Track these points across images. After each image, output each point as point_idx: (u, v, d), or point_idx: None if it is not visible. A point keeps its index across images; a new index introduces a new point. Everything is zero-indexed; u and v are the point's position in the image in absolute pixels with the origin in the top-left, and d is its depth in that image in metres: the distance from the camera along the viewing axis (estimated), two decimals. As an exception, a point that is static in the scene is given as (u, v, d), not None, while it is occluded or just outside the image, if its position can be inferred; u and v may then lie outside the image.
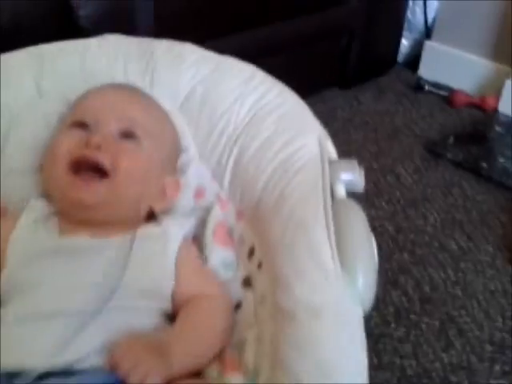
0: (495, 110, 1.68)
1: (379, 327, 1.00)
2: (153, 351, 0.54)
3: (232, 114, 0.75)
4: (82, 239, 0.62)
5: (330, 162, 0.69)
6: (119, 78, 0.77)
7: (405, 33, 1.83)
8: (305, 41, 1.53)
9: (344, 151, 1.45)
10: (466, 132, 1.59)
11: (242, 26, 1.34)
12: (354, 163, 0.70)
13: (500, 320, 1.06)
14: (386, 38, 1.76)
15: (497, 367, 0.97)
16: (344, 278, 0.58)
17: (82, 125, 0.65)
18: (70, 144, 0.63)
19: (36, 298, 0.57)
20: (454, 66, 1.79)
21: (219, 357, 0.60)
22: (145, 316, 0.61)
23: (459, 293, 1.11)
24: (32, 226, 0.63)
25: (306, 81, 1.60)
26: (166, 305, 0.62)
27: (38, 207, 0.65)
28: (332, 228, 0.60)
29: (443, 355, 0.98)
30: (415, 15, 1.83)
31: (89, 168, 0.62)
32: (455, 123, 1.64)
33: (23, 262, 0.60)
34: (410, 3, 1.79)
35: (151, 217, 0.68)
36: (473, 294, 1.11)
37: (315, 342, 0.53)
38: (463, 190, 1.39)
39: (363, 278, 0.59)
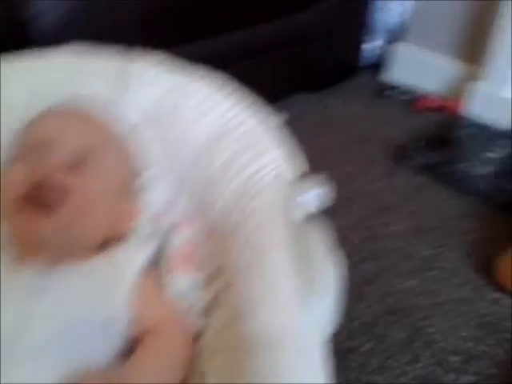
0: (459, 113, 1.70)
1: (346, 342, 1.00)
2: None
3: (192, 131, 0.73)
4: (29, 274, 0.59)
5: (291, 182, 0.67)
6: (81, 91, 0.74)
7: (370, 37, 1.83)
8: (271, 46, 1.52)
9: (311, 157, 1.47)
10: (430, 136, 1.60)
11: (209, 32, 1.32)
12: (317, 181, 0.69)
13: (465, 329, 1.06)
14: (351, 43, 1.76)
15: (463, 378, 0.97)
16: (304, 303, 0.57)
17: (28, 155, 0.62)
18: (16, 178, 0.60)
19: None
20: (419, 69, 1.80)
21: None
22: (100, 349, 0.58)
23: (424, 303, 1.11)
24: None
25: (273, 86, 1.60)
26: (122, 337, 0.60)
27: None
28: (291, 253, 0.59)
29: (409, 368, 0.98)
30: (380, 19, 1.83)
31: (35, 203, 0.59)
32: (420, 127, 1.64)
33: None
34: (376, 7, 1.79)
35: (111, 241, 0.66)
36: (438, 304, 1.11)
37: (274, 373, 0.52)
38: (428, 196, 1.40)
39: (323, 303, 0.58)
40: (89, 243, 0.63)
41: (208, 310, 0.65)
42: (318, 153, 1.51)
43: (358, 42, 1.78)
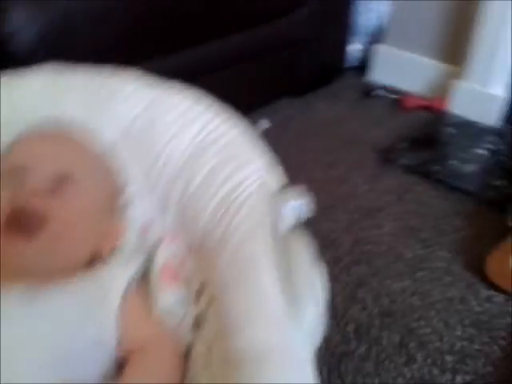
0: (444, 112, 1.71)
1: (340, 346, 0.99)
2: None
3: (173, 146, 0.72)
4: (15, 297, 0.58)
5: (275, 193, 0.67)
6: (57, 111, 0.73)
7: (353, 38, 1.84)
8: (255, 53, 1.52)
9: (299, 161, 1.47)
10: (418, 136, 1.61)
11: (191, 42, 1.32)
12: (300, 190, 0.68)
13: (459, 328, 1.06)
14: (334, 45, 1.76)
15: (458, 378, 0.97)
16: (291, 316, 0.56)
17: (8, 181, 0.61)
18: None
19: None
20: (403, 69, 1.80)
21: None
22: (89, 369, 0.58)
23: (418, 303, 1.11)
24: None
25: (258, 92, 1.60)
26: (111, 357, 0.59)
27: None
28: (276, 265, 0.59)
29: (405, 370, 0.97)
30: (362, 21, 1.84)
31: (17, 228, 0.58)
32: (406, 127, 1.65)
33: None
34: (357, 9, 1.79)
35: (96, 260, 0.65)
36: (431, 304, 1.11)
37: None
38: (417, 196, 1.40)
39: (311, 313, 0.57)
40: (72, 265, 0.63)
41: (196, 326, 0.65)
42: (305, 156, 1.52)
43: (341, 44, 1.79)
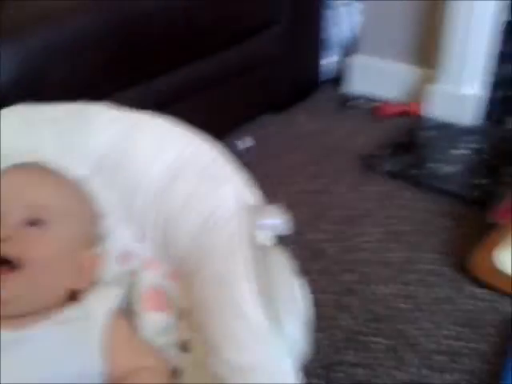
0: (422, 116, 1.74)
1: (331, 355, 1.01)
2: None
3: (148, 174, 0.74)
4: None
5: (251, 212, 0.69)
6: (28, 149, 0.75)
7: (328, 51, 1.87)
8: (231, 73, 1.55)
9: (283, 174, 1.49)
10: (398, 141, 1.63)
11: (167, 68, 1.35)
12: (276, 208, 0.70)
13: (448, 328, 1.08)
14: (309, 60, 1.80)
15: (449, 377, 0.98)
16: (273, 332, 0.58)
17: None
18: None
19: None
20: (379, 77, 1.84)
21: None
22: None
23: (406, 306, 1.13)
24: None
25: (239, 111, 1.63)
26: None
27: None
28: (254, 283, 0.60)
29: (397, 373, 0.99)
30: (335, 33, 1.87)
31: None
32: (386, 134, 1.68)
33: None
34: (329, 22, 1.83)
35: (75, 294, 0.67)
36: (419, 305, 1.13)
37: None
38: (400, 201, 1.42)
39: (293, 327, 0.59)
40: (52, 300, 0.65)
41: (182, 349, 0.66)
42: (289, 169, 1.54)
43: (316, 58, 1.82)
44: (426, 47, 1.72)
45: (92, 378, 0.60)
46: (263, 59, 1.64)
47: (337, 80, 1.91)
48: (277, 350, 0.57)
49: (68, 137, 0.77)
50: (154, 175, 0.74)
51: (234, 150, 0.78)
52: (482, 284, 1.16)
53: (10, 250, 0.61)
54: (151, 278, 0.71)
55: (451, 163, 1.54)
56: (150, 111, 0.81)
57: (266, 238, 0.68)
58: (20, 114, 0.80)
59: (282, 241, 0.69)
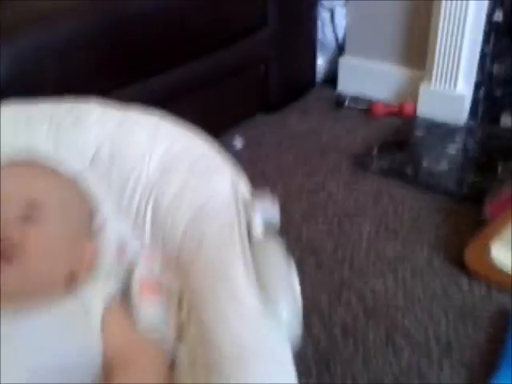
0: (414, 115, 1.75)
1: (328, 348, 1.01)
2: None
3: (142, 167, 0.75)
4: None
5: (244, 202, 0.69)
6: (23, 145, 0.76)
7: (320, 53, 1.89)
8: (224, 73, 1.57)
9: (277, 173, 1.50)
10: (389, 141, 1.65)
11: (159, 69, 1.36)
12: (268, 198, 0.71)
13: (444, 320, 1.09)
14: (301, 61, 1.81)
15: (446, 367, 0.99)
16: (267, 315, 0.58)
17: None
18: None
19: None
20: (370, 78, 1.86)
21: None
22: (76, 380, 0.60)
23: (401, 299, 1.13)
24: None
25: (231, 111, 1.64)
26: (97, 367, 0.61)
27: None
28: (250, 268, 0.61)
29: (393, 364, 0.99)
30: (327, 35, 1.89)
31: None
32: (378, 133, 1.69)
33: None
34: (320, 24, 1.85)
35: (74, 281, 0.67)
36: (414, 299, 1.13)
37: (245, 379, 0.54)
38: (393, 198, 1.43)
39: (286, 312, 0.59)
40: (51, 286, 0.65)
41: (178, 335, 0.67)
42: (283, 168, 1.55)
43: (307, 60, 1.84)
44: (416, 47, 1.74)
45: (90, 360, 0.61)
46: (256, 60, 1.66)
47: (328, 82, 1.93)
48: (271, 332, 0.57)
49: (62, 132, 0.78)
50: (148, 168, 0.76)
51: (228, 149, 0.79)
52: (476, 277, 1.17)
53: (12, 237, 0.61)
54: (147, 267, 0.71)
55: (444, 161, 1.56)
56: (143, 108, 0.82)
57: (259, 227, 0.69)
58: (15, 110, 0.81)
59: (276, 231, 0.70)
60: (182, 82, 1.43)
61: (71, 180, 0.72)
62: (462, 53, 1.64)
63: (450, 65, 1.66)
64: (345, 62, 1.89)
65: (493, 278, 1.16)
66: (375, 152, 1.59)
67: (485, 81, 1.67)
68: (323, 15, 1.85)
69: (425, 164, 1.55)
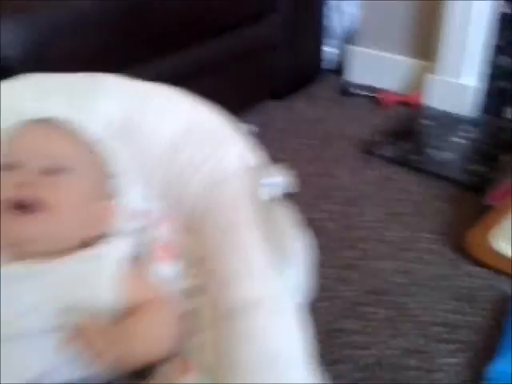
0: (421, 105, 1.77)
1: (331, 323, 1.04)
2: (105, 336, 0.58)
3: (158, 137, 0.78)
4: (20, 268, 0.63)
5: (254, 171, 0.72)
6: (42, 112, 0.78)
7: (327, 40, 1.91)
8: (232, 58, 1.57)
9: (280, 159, 1.51)
10: (396, 129, 1.67)
11: (170, 50, 1.37)
12: (278, 167, 0.74)
13: (444, 302, 1.11)
14: (309, 47, 1.83)
15: (445, 346, 1.01)
16: (274, 272, 0.61)
17: (8, 167, 0.67)
18: (3, 187, 0.65)
19: None
20: (378, 67, 1.87)
21: (171, 360, 0.62)
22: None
23: (403, 281, 1.16)
24: None
25: (239, 96, 1.65)
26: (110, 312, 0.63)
27: None
28: (260, 229, 0.63)
29: (394, 341, 1.02)
30: (335, 22, 1.91)
31: (19, 208, 0.64)
32: (384, 122, 1.71)
33: None
34: (328, 11, 1.86)
35: (88, 242, 0.70)
36: (416, 281, 1.16)
37: (253, 333, 0.57)
38: (398, 184, 1.45)
39: (294, 271, 0.62)
40: (68, 244, 0.68)
41: (190, 292, 0.69)
42: (289, 153, 1.57)
43: (317, 47, 1.85)
44: (425, 39, 1.76)
45: (105, 310, 0.63)
46: (264, 46, 1.67)
47: (338, 70, 1.94)
48: (280, 285, 0.60)
49: (80, 101, 0.81)
50: (163, 138, 0.79)
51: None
52: (477, 263, 1.19)
53: (29, 194, 0.64)
54: (161, 231, 0.74)
55: (449, 150, 1.58)
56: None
57: (269, 194, 0.71)
58: (33, 80, 0.83)
59: (284, 196, 0.73)
60: (188, 68, 1.44)
61: (88, 143, 0.74)
62: (469, 44, 1.66)
63: (457, 56, 1.68)
64: (353, 50, 1.91)
65: (493, 264, 1.18)
66: (381, 140, 1.61)
67: (491, 72, 1.68)
68: (330, 3, 1.86)
69: (430, 152, 1.57)
